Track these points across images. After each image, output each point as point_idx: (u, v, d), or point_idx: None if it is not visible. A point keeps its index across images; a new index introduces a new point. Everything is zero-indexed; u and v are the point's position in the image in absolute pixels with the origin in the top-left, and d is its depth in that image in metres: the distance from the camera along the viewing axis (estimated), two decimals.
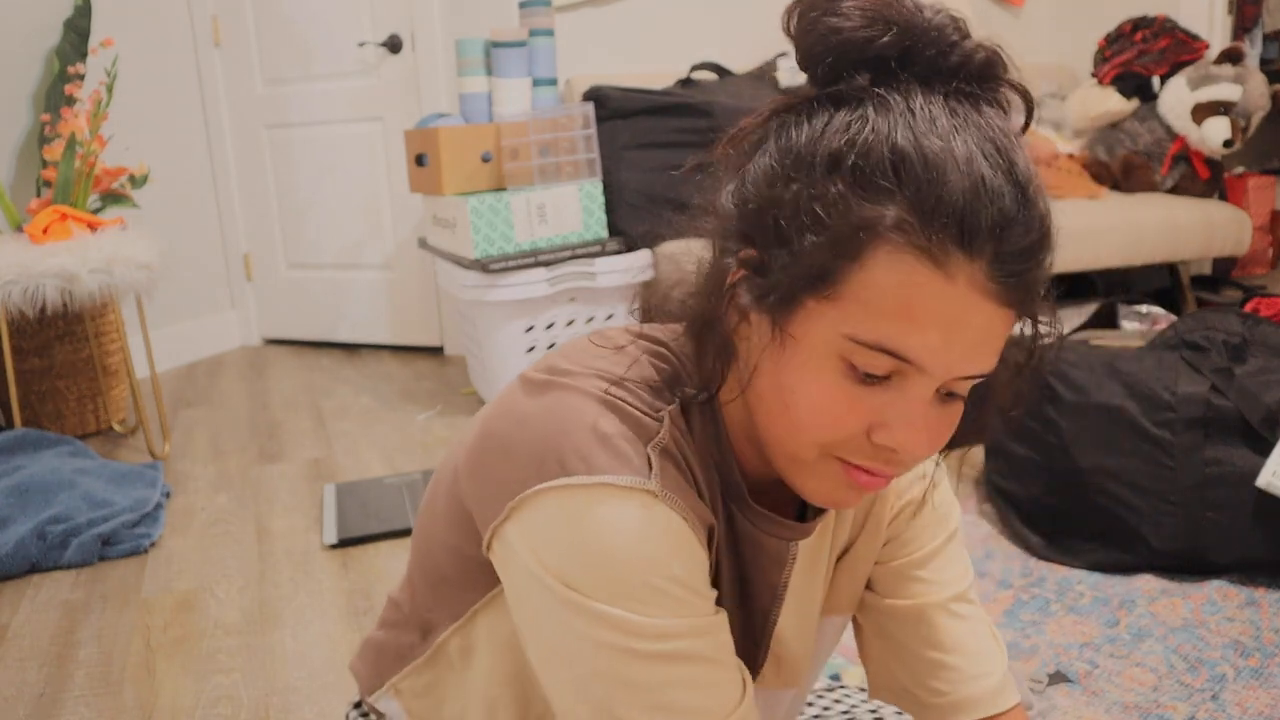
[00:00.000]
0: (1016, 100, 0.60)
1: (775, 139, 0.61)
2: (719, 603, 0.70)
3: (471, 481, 0.70)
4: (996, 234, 0.55)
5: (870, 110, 0.57)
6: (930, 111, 0.56)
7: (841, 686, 0.99)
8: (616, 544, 0.62)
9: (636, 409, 0.65)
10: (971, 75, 0.58)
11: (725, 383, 0.67)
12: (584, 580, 0.62)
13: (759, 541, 0.70)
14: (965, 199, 0.54)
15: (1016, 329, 0.63)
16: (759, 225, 0.60)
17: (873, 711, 0.94)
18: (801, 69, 0.61)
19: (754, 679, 0.74)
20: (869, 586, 0.83)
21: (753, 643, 0.73)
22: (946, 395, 0.61)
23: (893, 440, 0.59)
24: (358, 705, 0.99)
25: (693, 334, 0.67)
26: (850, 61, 0.59)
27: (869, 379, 0.58)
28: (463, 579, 0.75)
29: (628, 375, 0.67)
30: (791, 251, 0.57)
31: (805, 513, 0.75)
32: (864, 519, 0.79)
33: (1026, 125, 0.61)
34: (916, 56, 0.58)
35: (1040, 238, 0.58)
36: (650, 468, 0.63)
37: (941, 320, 0.55)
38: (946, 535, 0.82)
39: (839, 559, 0.80)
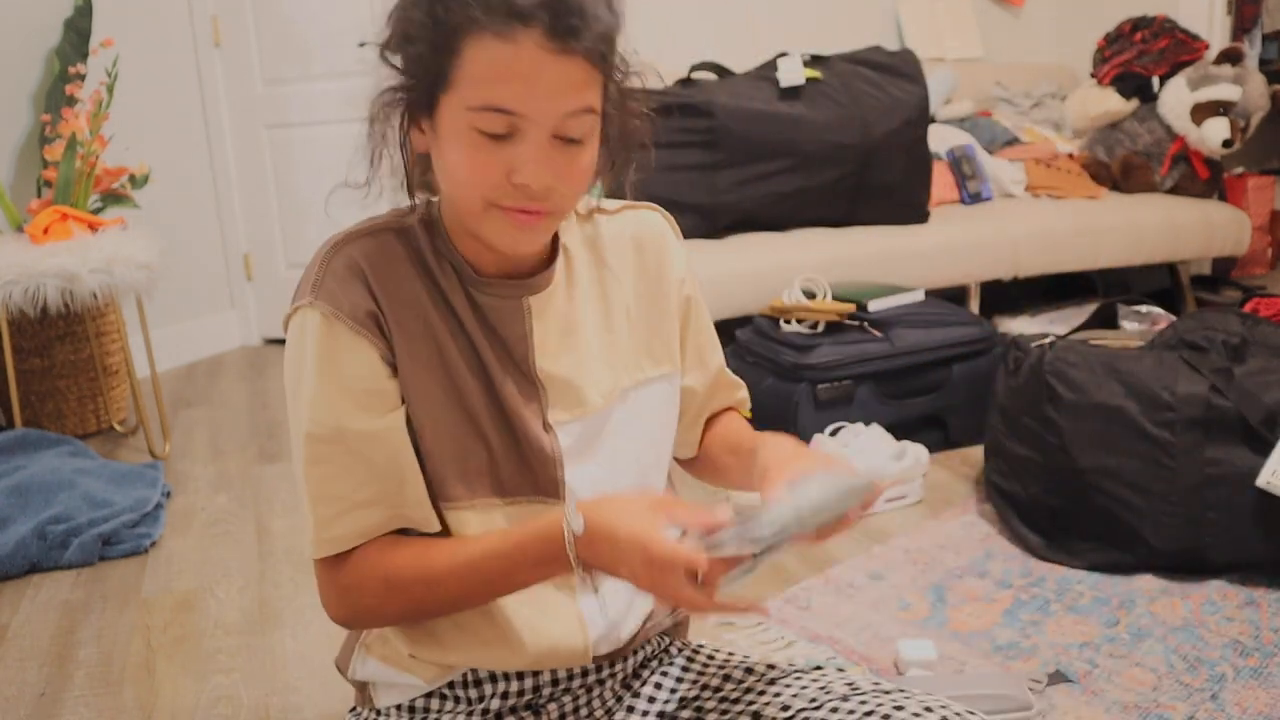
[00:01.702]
0: None
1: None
2: (477, 361, 0.89)
3: None
4: (545, 10, 0.76)
5: None
6: None
7: (818, 667, 1.01)
8: (286, 362, 0.89)
9: (334, 246, 0.88)
10: None
11: (435, 197, 0.90)
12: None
13: (498, 306, 0.90)
14: None
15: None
16: (400, 62, 0.81)
17: (849, 684, 0.96)
18: None
19: (550, 413, 0.92)
20: (707, 425, 1.09)
21: (530, 384, 0.91)
22: (567, 141, 0.81)
23: (523, 176, 0.79)
24: (353, 710, 1.01)
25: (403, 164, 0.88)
26: None
27: (495, 137, 0.79)
28: None
29: (360, 222, 0.90)
30: (419, 68, 0.79)
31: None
32: (653, 287, 1.00)
33: None
34: None
35: (580, 9, 0.77)
36: (312, 285, 0.86)
37: (520, 74, 0.76)
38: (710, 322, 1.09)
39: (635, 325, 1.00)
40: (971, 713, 0.88)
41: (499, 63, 0.76)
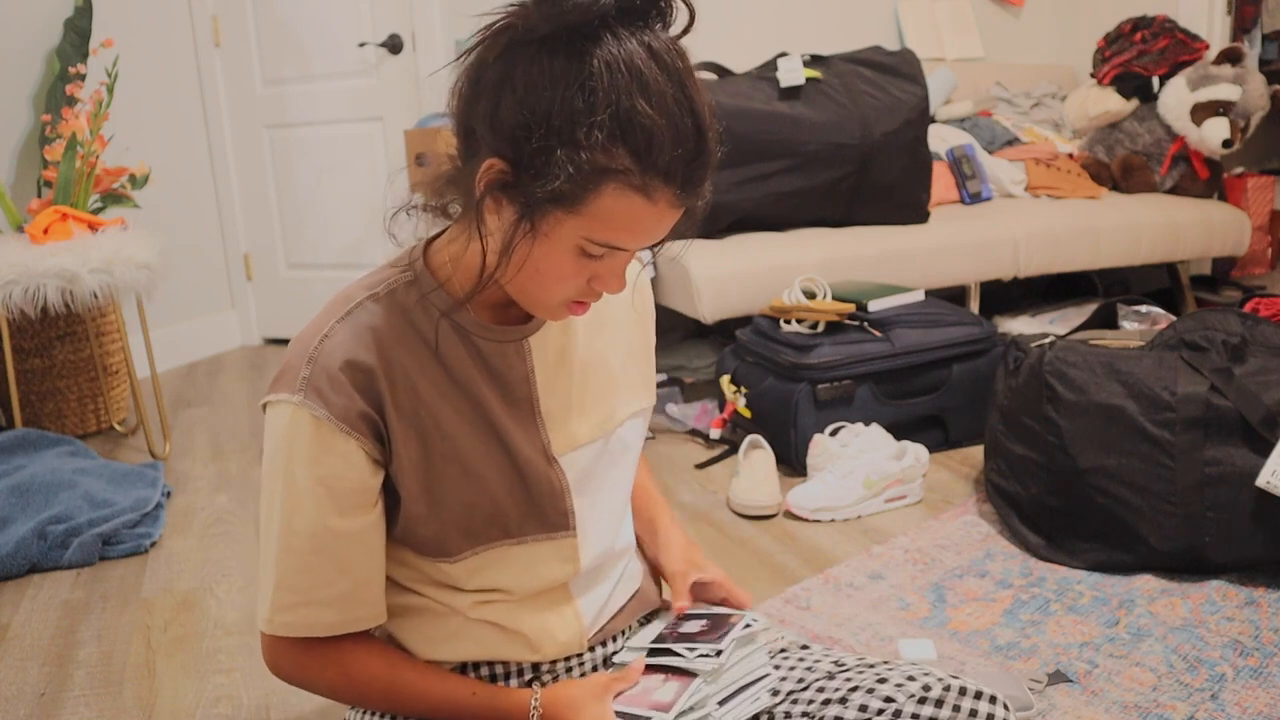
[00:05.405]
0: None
1: (511, 77, 0.78)
2: (479, 414, 0.91)
3: None
4: (684, 170, 0.79)
5: (598, 65, 0.76)
6: (638, 64, 0.77)
7: (805, 646, 1.05)
8: (268, 450, 0.88)
9: (320, 340, 0.87)
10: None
11: (450, 253, 0.91)
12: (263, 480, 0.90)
13: (500, 350, 0.92)
14: (668, 152, 0.77)
15: None
16: (513, 153, 0.79)
17: (835, 661, 1.00)
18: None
19: (553, 446, 0.95)
20: None
21: (533, 421, 0.94)
22: None
23: (608, 288, 0.87)
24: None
25: (439, 207, 0.92)
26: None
27: (592, 256, 0.83)
28: None
29: (339, 297, 0.91)
30: (546, 181, 0.78)
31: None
32: (643, 324, 1.07)
33: (687, 30, 0.84)
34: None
35: (709, 161, 0.81)
36: (300, 381, 0.85)
37: (649, 228, 0.82)
38: None
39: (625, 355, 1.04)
40: (955, 676, 0.92)
41: (634, 215, 0.80)
